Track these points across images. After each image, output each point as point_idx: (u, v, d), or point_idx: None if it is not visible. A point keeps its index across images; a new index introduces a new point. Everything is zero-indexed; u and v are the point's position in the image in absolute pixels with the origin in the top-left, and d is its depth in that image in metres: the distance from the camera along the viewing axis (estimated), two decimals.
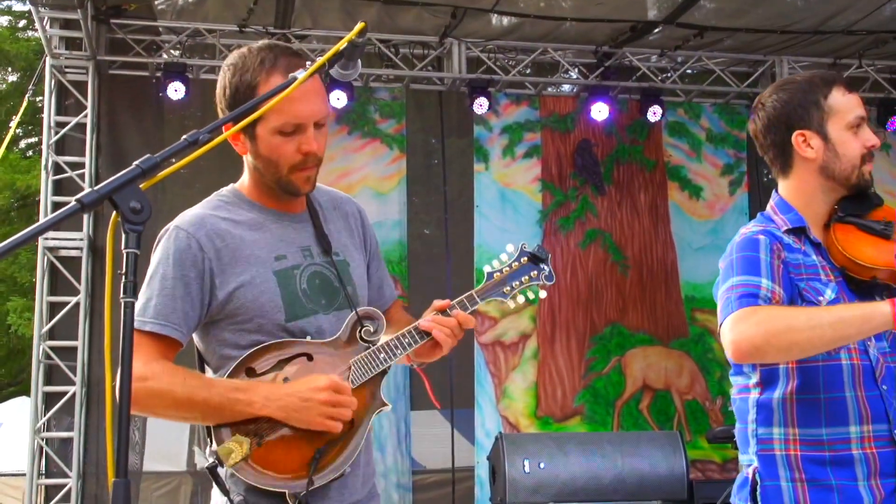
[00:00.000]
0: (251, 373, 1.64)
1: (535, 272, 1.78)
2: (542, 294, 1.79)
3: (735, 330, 1.56)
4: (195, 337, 1.71)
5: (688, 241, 6.17)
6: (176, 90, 5.41)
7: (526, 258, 1.79)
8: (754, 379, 1.70)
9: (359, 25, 1.43)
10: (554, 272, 1.79)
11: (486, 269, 1.79)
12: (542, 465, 4.80)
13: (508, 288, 1.77)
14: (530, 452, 4.82)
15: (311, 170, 1.70)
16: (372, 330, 1.71)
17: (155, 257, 1.67)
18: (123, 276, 1.08)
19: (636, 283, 6.03)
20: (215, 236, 1.67)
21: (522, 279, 1.78)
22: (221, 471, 1.60)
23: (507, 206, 6.02)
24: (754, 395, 1.69)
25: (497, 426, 5.79)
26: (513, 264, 1.78)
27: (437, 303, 1.75)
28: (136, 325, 1.60)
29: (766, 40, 5.87)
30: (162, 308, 1.63)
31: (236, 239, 1.68)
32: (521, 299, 1.79)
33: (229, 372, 1.64)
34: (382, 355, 1.70)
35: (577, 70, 6.20)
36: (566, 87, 6.34)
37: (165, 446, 5.46)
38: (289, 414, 1.59)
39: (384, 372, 1.71)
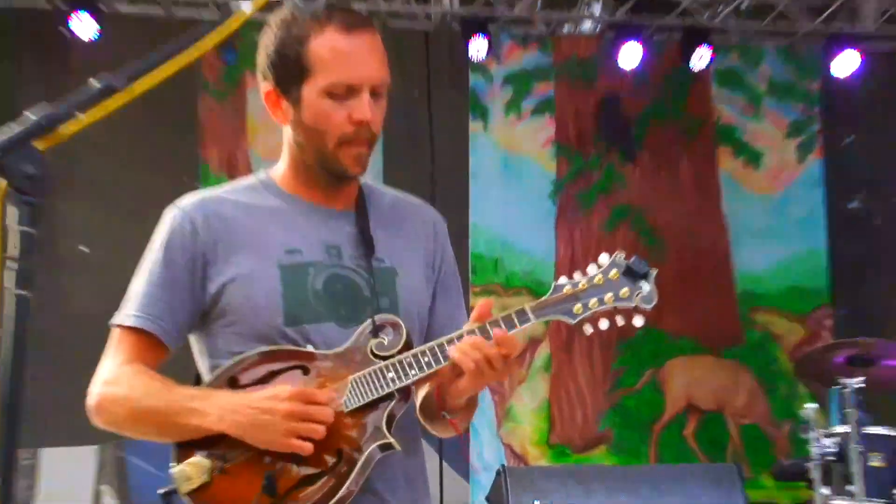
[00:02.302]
0: (234, 384, 1.70)
1: (627, 290, 1.73)
2: (637, 322, 1.75)
3: None
4: (192, 348, 1.80)
5: (744, 221, 6.09)
6: (84, 24, 5.19)
7: (617, 271, 1.75)
8: None
9: None
10: (656, 292, 1.74)
11: (559, 280, 1.76)
12: None
13: (580, 306, 1.72)
14: (542, 491, 4.71)
15: (362, 145, 1.75)
16: (385, 343, 1.73)
17: (151, 244, 1.77)
18: (12, 262, 1.10)
19: (676, 275, 5.88)
20: (217, 220, 1.76)
21: (605, 297, 1.73)
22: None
23: (512, 176, 5.98)
24: None
25: (498, 457, 5.72)
26: (596, 278, 1.74)
27: (479, 308, 1.72)
28: (114, 320, 1.76)
29: None
30: (143, 299, 1.73)
31: (242, 226, 1.77)
32: (603, 325, 1.74)
33: (209, 383, 1.72)
34: (391, 374, 1.70)
35: (600, 3, 6.01)
36: (587, 26, 6.17)
37: (65, 484, 5.46)
38: (246, 430, 1.64)
39: (394, 399, 1.70)
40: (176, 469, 1.67)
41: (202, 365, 1.81)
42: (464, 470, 5.73)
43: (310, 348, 1.74)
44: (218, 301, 1.75)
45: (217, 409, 1.66)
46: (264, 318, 1.73)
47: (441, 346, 1.71)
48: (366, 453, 1.70)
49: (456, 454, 5.70)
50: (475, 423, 5.46)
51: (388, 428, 1.71)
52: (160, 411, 1.69)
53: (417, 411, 1.88)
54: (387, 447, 1.71)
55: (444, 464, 5.62)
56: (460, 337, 1.71)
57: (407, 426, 1.81)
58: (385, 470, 1.75)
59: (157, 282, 1.75)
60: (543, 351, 5.93)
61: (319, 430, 1.65)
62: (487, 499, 5.01)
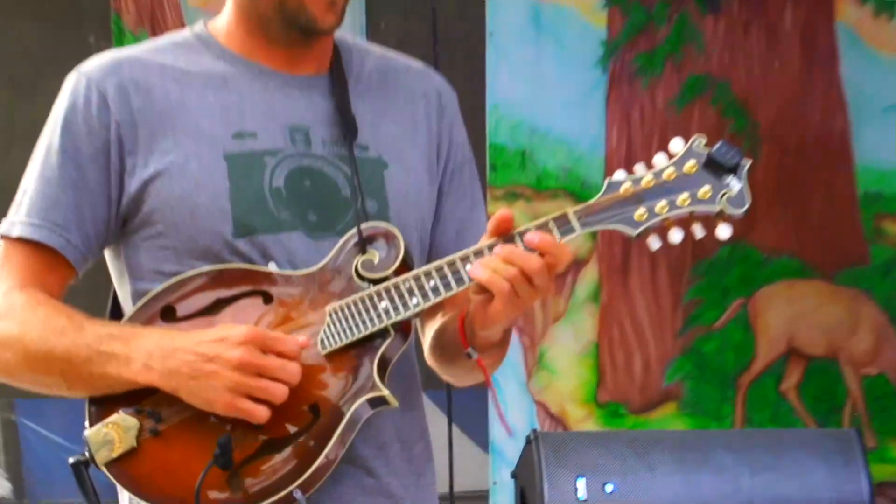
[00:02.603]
0: (169, 316, 1.80)
1: (709, 189, 1.75)
2: (722, 233, 1.78)
3: None
4: (110, 267, 1.90)
5: (870, 94, 6.04)
6: None
7: (695, 163, 1.76)
8: None
9: None
10: (748, 192, 1.76)
11: (615, 175, 1.79)
12: (608, 488, 4.66)
13: (643, 212, 1.75)
14: (587, 466, 4.68)
15: None
16: (376, 261, 1.80)
17: (47, 125, 1.85)
18: None
19: (775, 170, 5.90)
20: (135, 90, 1.82)
21: (679, 199, 1.75)
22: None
23: (545, 35, 5.93)
24: None
25: (529, 419, 5.63)
26: (666, 172, 1.76)
27: (497, 220, 1.75)
28: (1, 229, 1.84)
29: None
30: (39, 202, 1.81)
31: (173, 98, 1.83)
32: (674, 237, 1.76)
33: (133, 313, 1.81)
34: (384, 304, 1.77)
35: None
36: None
37: None
38: (182, 384, 1.72)
39: (388, 337, 1.78)
40: (91, 431, 1.74)
41: (122, 291, 1.88)
42: (481, 437, 5.72)
43: (271, 267, 1.80)
44: (141, 204, 1.81)
45: (143, 353, 1.72)
46: (205, 227, 1.80)
47: (453, 264, 1.75)
48: (350, 411, 1.75)
49: (470, 417, 5.73)
50: (496, 374, 5.59)
51: (381, 377, 1.77)
52: (66, 356, 1.75)
53: (427, 351, 1.96)
54: (379, 402, 1.76)
55: (455, 428, 5.65)
56: (479, 253, 1.75)
57: (406, 375, 1.90)
58: (376, 433, 1.84)
59: (57, 178, 1.81)
60: (590, 276, 5.81)
61: (280, 392, 1.71)
62: (514, 475, 5.00)
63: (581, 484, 4.70)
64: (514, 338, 5.80)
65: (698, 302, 5.92)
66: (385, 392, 1.76)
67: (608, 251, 5.88)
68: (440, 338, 1.94)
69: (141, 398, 1.76)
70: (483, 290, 1.74)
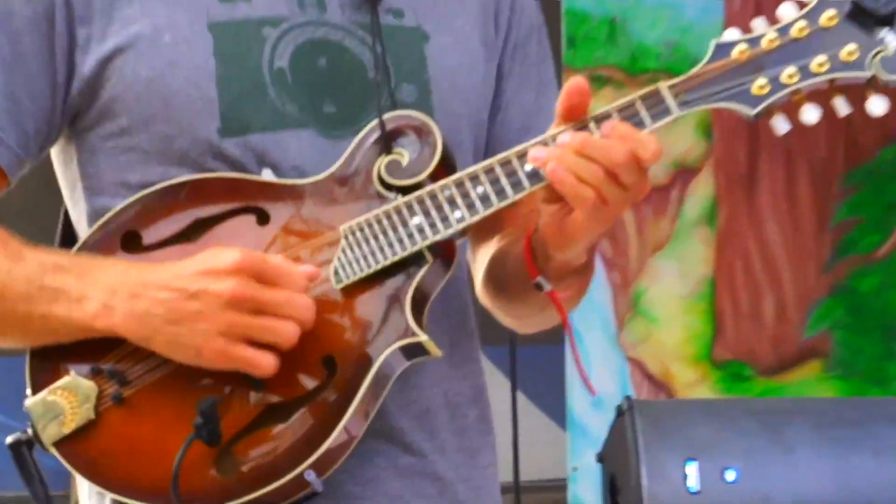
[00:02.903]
0: (132, 244, 1.83)
1: (854, 48, 1.75)
2: (876, 107, 1.76)
3: None
4: (59, 178, 1.96)
5: None
6: None
7: (835, 13, 1.76)
8: None
9: None
10: None
11: (725, 34, 1.82)
12: (730, 476, 4.65)
13: (765, 81, 1.76)
14: (701, 444, 4.69)
15: None
16: (405, 162, 1.82)
17: None
18: None
19: None
20: None
21: (813, 63, 1.76)
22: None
23: None
24: None
25: (620, 383, 5.71)
26: (795, 27, 1.76)
27: (572, 84, 1.76)
28: None
29: None
30: None
31: None
32: (807, 115, 1.77)
33: (88, 239, 1.84)
34: (418, 220, 1.79)
35: None
36: None
37: None
38: (157, 330, 1.73)
39: (424, 264, 1.80)
40: (34, 401, 1.76)
41: (76, 211, 1.91)
42: (556, 407, 5.82)
43: (267, 175, 1.83)
44: (98, 90, 1.84)
45: (103, 289, 1.75)
46: (184, 122, 1.83)
47: (507, 163, 1.76)
48: (378, 363, 1.76)
49: (541, 378, 5.90)
50: (576, 321, 5.59)
51: (417, 317, 1.77)
52: (5, 293, 1.78)
53: (480, 287, 2.01)
54: (415, 351, 1.77)
55: (521, 396, 5.76)
56: (542, 147, 1.76)
57: (453, 317, 1.94)
58: (415, 396, 1.89)
59: None
60: (702, 189, 5.88)
61: (289, 332, 1.72)
62: (600, 458, 4.99)
63: (692, 470, 4.67)
64: (600, 271, 5.86)
65: (853, 223, 5.94)
66: (423, 337, 1.77)
67: (727, 154, 5.87)
68: (498, 266, 1.97)
69: (99, 353, 1.78)
70: (555, 196, 1.74)
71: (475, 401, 2.01)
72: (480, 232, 1.93)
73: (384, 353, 1.77)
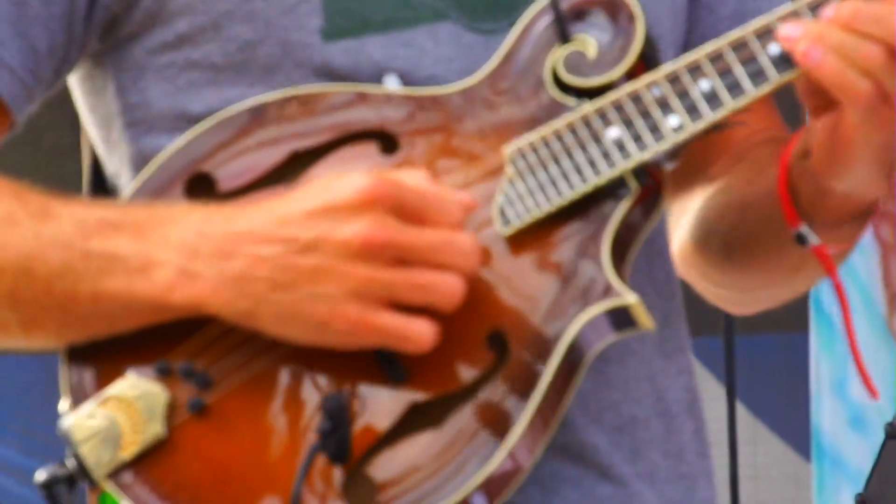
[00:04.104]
0: (203, 191, 1.67)
1: None
2: None
3: None
4: (85, 114, 1.82)
5: None
6: None
7: None
8: None
9: None
10: None
11: None
12: None
13: None
14: None
15: None
16: (592, 54, 1.67)
17: None
18: None
19: None
20: None
21: None
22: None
23: None
24: None
25: (893, 388, 5.23)
26: None
27: None
28: None
29: None
30: None
31: None
32: None
33: (138, 188, 1.68)
34: (616, 132, 1.62)
35: None
36: None
37: None
38: (259, 299, 1.57)
39: (624, 194, 1.64)
40: (77, 418, 1.58)
41: (114, 155, 1.77)
42: (793, 425, 5.63)
43: (392, 85, 1.68)
44: None
45: (177, 250, 1.57)
46: (272, 21, 1.69)
47: (742, 46, 1.58)
48: (567, 338, 1.57)
49: (767, 383, 5.44)
50: (827, 308, 5.13)
51: (620, 269, 1.59)
52: (23, 267, 1.60)
53: (687, 246, 1.84)
54: (621, 319, 1.58)
55: (739, 405, 4.96)
56: (792, 17, 1.66)
57: (658, 280, 1.78)
58: (614, 397, 1.72)
59: None
60: None
61: (452, 288, 1.54)
62: (861, 500, 4.82)
63: None
64: (869, 238, 5.20)
65: None
66: (630, 298, 1.52)
67: None
68: (718, 218, 1.78)
69: (168, 344, 1.57)
70: (816, 91, 1.54)
71: (690, 409, 1.79)
72: (682, 168, 1.65)
73: (576, 324, 1.54)
